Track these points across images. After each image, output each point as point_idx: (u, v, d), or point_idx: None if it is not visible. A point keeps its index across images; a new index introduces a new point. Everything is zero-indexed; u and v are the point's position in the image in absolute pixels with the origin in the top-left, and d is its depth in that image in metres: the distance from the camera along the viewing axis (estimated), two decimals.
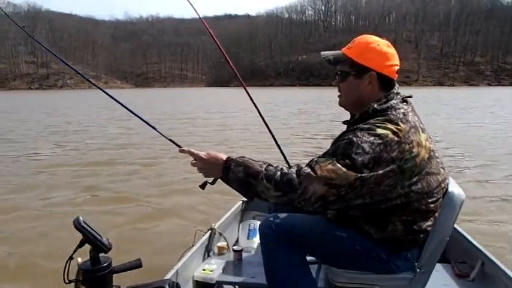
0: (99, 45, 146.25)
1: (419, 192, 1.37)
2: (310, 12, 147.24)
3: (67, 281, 1.14)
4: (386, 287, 1.55)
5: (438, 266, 2.04)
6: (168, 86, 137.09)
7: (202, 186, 1.54)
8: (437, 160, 1.44)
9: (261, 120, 2.24)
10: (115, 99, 1.83)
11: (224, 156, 1.43)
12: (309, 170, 1.30)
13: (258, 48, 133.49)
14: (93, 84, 2.12)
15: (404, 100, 1.47)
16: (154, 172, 6.43)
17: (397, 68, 1.47)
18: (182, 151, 1.54)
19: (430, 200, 1.41)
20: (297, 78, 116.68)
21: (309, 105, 25.20)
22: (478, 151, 8.06)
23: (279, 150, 2.33)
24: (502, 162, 6.88)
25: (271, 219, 1.58)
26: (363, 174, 1.27)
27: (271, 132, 2.27)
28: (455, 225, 2.22)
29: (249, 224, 2.73)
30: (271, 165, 1.38)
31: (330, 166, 1.28)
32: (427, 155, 1.37)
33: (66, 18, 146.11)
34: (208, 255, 2.35)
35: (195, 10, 2.37)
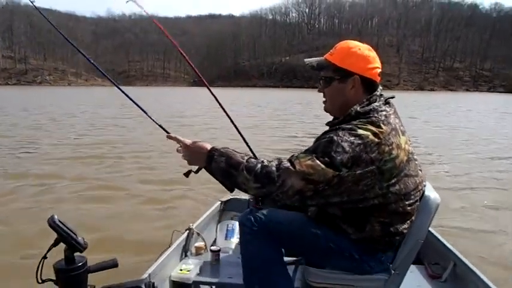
0: (80, 42, 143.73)
1: (397, 194, 1.39)
2: (294, 14, 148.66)
3: (40, 281, 1.11)
4: (361, 287, 1.58)
5: (412, 267, 2.09)
6: (150, 85, 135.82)
7: (187, 174, 1.59)
8: (416, 163, 1.47)
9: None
10: (126, 95, 2.01)
11: (209, 146, 1.46)
12: (288, 164, 1.33)
13: (242, 49, 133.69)
14: (110, 80, 2.28)
15: (387, 102, 1.49)
16: (132, 171, 6.33)
17: (379, 70, 1.51)
18: (169, 137, 1.57)
19: (407, 202, 1.43)
20: (280, 79, 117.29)
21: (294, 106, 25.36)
22: (453, 154, 8.22)
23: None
24: (477, 165, 7.02)
25: (251, 212, 1.61)
26: (341, 173, 1.29)
27: (234, 125, 2.22)
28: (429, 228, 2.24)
29: (227, 225, 2.72)
30: (254, 158, 1.42)
31: (309, 162, 1.31)
32: (406, 157, 1.39)
33: (46, 13, 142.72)
34: (186, 256, 2.32)
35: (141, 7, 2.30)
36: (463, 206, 4.65)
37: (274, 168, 1.34)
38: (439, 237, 2.22)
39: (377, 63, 1.51)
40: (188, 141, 1.51)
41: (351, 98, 1.49)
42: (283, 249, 1.65)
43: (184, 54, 2.15)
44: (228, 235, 2.64)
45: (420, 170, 1.50)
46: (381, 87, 1.53)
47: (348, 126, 1.37)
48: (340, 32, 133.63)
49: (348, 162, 1.30)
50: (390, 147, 1.34)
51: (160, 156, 7.29)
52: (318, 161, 1.30)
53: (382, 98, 1.49)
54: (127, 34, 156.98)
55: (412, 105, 26.45)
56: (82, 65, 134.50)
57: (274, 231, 1.55)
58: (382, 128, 1.35)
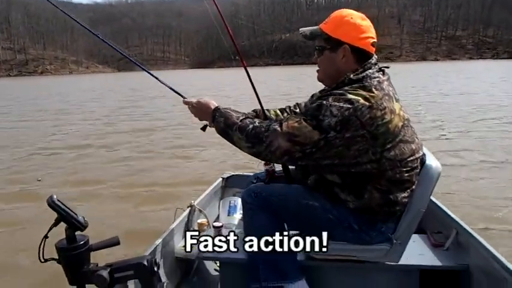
0: (78, 30, 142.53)
1: (391, 159, 1.38)
2: None
3: (43, 260, 1.12)
4: (364, 258, 1.59)
5: (415, 237, 2.08)
6: (151, 69, 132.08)
7: (203, 128, 1.71)
8: (412, 129, 1.46)
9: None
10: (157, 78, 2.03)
11: (213, 106, 1.55)
12: (277, 125, 1.37)
13: (241, 28, 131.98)
14: (139, 65, 2.22)
15: (381, 70, 1.48)
16: (133, 151, 6.42)
17: (372, 40, 1.47)
18: (185, 102, 1.70)
19: (404, 169, 1.43)
20: (281, 57, 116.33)
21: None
22: (457, 120, 8.24)
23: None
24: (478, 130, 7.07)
25: (253, 187, 1.66)
26: (328, 135, 1.30)
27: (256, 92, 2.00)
28: (431, 197, 2.29)
29: (230, 201, 2.69)
30: (250, 118, 1.46)
31: (296, 124, 1.34)
32: (401, 123, 1.38)
33: (42, 2, 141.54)
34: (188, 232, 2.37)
35: None
36: (465, 171, 4.70)
37: (263, 129, 1.39)
38: (441, 205, 2.25)
39: (370, 32, 1.47)
40: (194, 100, 1.62)
41: (342, 68, 1.48)
42: (285, 225, 1.67)
43: (231, 34, 2.05)
44: (230, 211, 2.63)
45: (417, 138, 1.49)
46: (375, 56, 1.50)
47: (338, 91, 1.37)
48: (339, 6, 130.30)
49: (337, 126, 1.30)
50: (383, 111, 1.33)
51: (162, 137, 7.37)
52: (304, 123, 1.33)
53: (376, 67, 1.47)
54: (124, 19, 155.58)
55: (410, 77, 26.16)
56: (82, 53, 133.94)
57: (273, 205, 1.58)
58: (373, 93, 1.35)
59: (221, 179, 2.99)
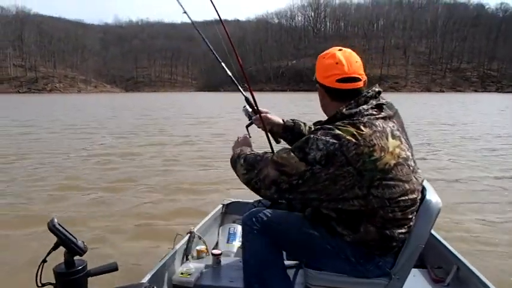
0: (89, 50, 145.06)
1: (379, 197, 1.38)
2: (299, 18, 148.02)
3: (40, 284, 1.11)
4: None
5: (415, 271, 2.13)
6: (158, 91, 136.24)
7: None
8: (409, 169, 1.44)
9: None
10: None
11: (247, 147, 1.75)
12: (269, 155, 1.47)
13: (248, 53, 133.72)
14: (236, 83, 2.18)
15: (378, 105, 1.48)
16: (134, 174, 6.46)
17: (337, 77, 1.49)
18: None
19: (396, 208, 1.42)
20: (287, 83, 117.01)
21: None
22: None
23: None
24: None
25: (255, 211, 1.69)
26: (313, 168, 1.33)
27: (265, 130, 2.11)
28: (432, 231, 2.33)
29: (229, 228, 2.74)
30: (264, 152, 1.57)
31: (284, 155, 1.40)
32: (393, 161, 1.37)
33: (55, 21, 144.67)
34: (187, 259, 2.35)
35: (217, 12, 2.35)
36: (466, 206, 4.71)
37: (259, 158, 1.49)
38: (442, 240, 2.27)
39: (335, 70, 1.49)
40: (241, 137, 1.86)
41: (326, 104, 1.59)
42: (284, 252, 1.71)
43: (239, 59, 2.19)
44: (229, 238, 2.67)
45: (416, 178, 1.47)
46: (375, 89, 1.52)
47: (328, 126, 1.40)
48: (346, 35, 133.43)
49: (322, 160, 1.33)
50: (371, 148, 1.33)
51: (162, 160, 7.44)
52: (292, 154, 1.38)
53: (373, 102, 1.48)
54: (134, 40, 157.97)
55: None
56: (91, 72, 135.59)
57: (274, 230, 1.61)
58: (362, 130, 1.35)
59: (221, 205, 3.04)
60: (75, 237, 1.10)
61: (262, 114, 1.99)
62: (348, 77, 1.48)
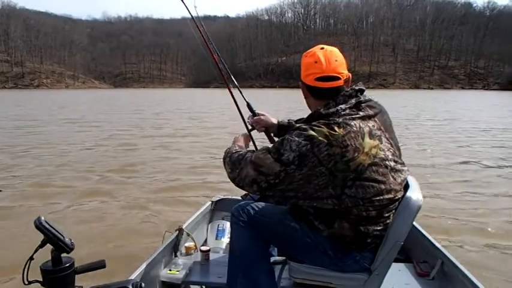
0: (77, 45, 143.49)
1: (352, 197, 1.39)
2: (289, 15, 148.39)
3: (26, 282, 1.11)
4: (341, 286, 1.59)
5: (400, 266, 2.17)
6: (147, 87, 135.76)
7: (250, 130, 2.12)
8: (388, 169, 1.44)
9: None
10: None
11: (241, 142, 1.81)
12: (249, 154, 1.51)
13: (238, 50, 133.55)
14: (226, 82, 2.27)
15: (357, 105, 1.48)
16: (122, 171, 6.41)
17: (316, 75, 1.50)
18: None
19: (370, 207, 1.43)
20: (277, 79, 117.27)
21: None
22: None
23: None
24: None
25: (243, 204, 1.73)
26: (288, 168, 1.37)
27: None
28: (417, 225, 2.36)
29: (218, 225, 2.74)
30: (248, 150, 1.61)
31: (261, 155, 1.44)
32: (368, 162, 1.38)
33: (42, 16, 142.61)
34: (176, 256, 2.35)
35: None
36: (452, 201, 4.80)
37: (241, 157, 1.52)
38: (427, 235, 2.31)
39: (314, 69, 1.51)
40: (240, 135, 1.91)
41: (309, 102, 1.62)
42: (275, 249, 1.77)
43: (216, 58, 2.26)
44: (218, 235, 2.66)
45: (396, 177, 1.48)
46: (355, 88, 1.52)
47: (304, 126, 1.42)
48: (335, 32, 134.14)
49: (295, 161, 1.36)
50: (343, 149, 1.35)
51: (156, 158, 7.42)
52: (268, 155, 1.41)
53: (352, 101, 1.47)
54: (123, 36, 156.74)
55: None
56: (79, 68, 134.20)
57: (260, 223, 1.65)
58: (335, 131, 1.36)
59: (210, 202, 3.03)
60: (62, 235, 1.10)
61: (257, 117, 2.13)
62: (326, 76, 1.48)
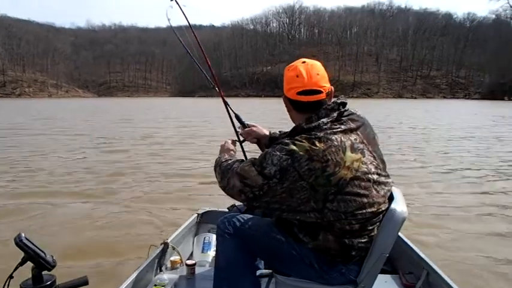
0: (60, 53, 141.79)
1: (334, 211, 1.40)
2: (274, 25, 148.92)
3: None
4: None
5: (387, 277, 2.18)
6: (132, 96, 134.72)
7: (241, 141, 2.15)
8: (370, 182, 1.45)
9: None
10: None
11: (229, 151, 1.86)
12: (236, 165, 1.54)
13: (223, 59, 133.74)
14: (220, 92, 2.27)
15: (339, 118, 1.48)
16: (105, 184, 6.30)
17: (297, 89, 1.51)
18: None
19: (353, 221, 1.44)
20: (262, 89, 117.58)
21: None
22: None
23: None
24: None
25: (229, 216, 1.74)
26: (270, 182, 1.39)
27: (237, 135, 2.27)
28: (403, 237, 2.37)
29: (204, 237, 2.71)
30: (236, 160, 1.65)
31: (246, 167, 1.47)
32: (350, 176, 1.39)
33: (24, 24, 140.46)
34: (161, 270, 2.32)
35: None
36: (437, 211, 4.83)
37: (229, 167, 1.56)
38: (412, 246, 2.31)
39: (295, 83, 1.52)
40: (228, 141, 1.97)
41: (292, 115, 1.63)
42: (258, 259, 1.76)
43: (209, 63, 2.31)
44: (204, 248, 2.64)
45: (379, 190, 1.48)
46: (337, 101, 1.53)
47: (286, 140, 1.44)
48: (320, 41, 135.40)
49: (276, 175, 1.38)
50: (324, 164, 1.35)
51: (138, 170, 7.33)
52: (252, 168, 1.44)
53: (334, 114, 1.48)
54: (107, 45, 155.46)
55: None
56: (62, 76, 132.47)
57: (246, 235, 1.65)
58: (316, 145, 1.37)
59: (196, 214, 3.00)
60: (43, 252, 1.06)
61: (248, 128, 2.15)
62: (308, 90, 1.49)
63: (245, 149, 2.16)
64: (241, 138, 2.15)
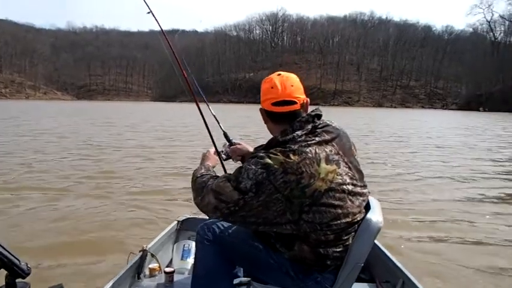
0: (39, 55, 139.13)
1: (309, 222, 1.42)
2: (257, 32, 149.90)
3: None
4: None
5: (364, 286, 2.19)
6: (112, 99, 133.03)
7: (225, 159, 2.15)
8: (345, 193, 1.46)
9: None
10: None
11: (208, 164, 1.85)
12: (211, 182, 1.55)
13: (206, 65, 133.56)
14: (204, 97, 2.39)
15: (313, 131, 1.50)
16: (85, 189, 6.16)
17: (272, 100, 1.55)
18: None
19: (328, 232, 1.45)
20: (244, 95, 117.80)
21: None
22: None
23: None
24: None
25: (209, 222, 1.76)
26: (246, 196, 1.40)
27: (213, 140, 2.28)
28: (380, 245, 2.39)
29: (184, 245, 2.67)
30: (211, 176, 1.63)
31: (221, 183, 1.48)
32: (324, 187, 1.40)
33: (2, 24, 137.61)
34: (139, 278, 2.29)
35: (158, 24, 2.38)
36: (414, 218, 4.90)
37: (203, 184, 1.56)
38: (389, 254, 2.34)
39: (269, 94, 1.56)
40: (211, 150, 2.01)
41: (269, 127, 1.66)
42: (237, 267, 1.77)
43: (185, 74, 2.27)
44: (184, 255, 2.60)
45: (354, 200, 1.50)
46: (312, 114, 1.55)
47: (261, 154, 1.45)
48: (302, 49, 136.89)
49: (252, 188, 1.39)
50: (298, 176, 1.37)
51: (118, 177, 7.22)
52: (228, 183, 1.45)
53: (308, 127, 1.50)
54: (88, 47, 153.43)
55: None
56: (41, 78, 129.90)
57: (225, 242, 1.67)
58: (290, 158, 1.39)
59: (176, 221, 2.96)
60: (17, 258, 1.03)
61: (233, 146, 2.14)
62: (282, 101, 1.53)
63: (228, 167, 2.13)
64: (225, 157, 2.14)
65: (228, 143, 2.19)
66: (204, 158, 1.91)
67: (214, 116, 2.32)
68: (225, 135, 2.22)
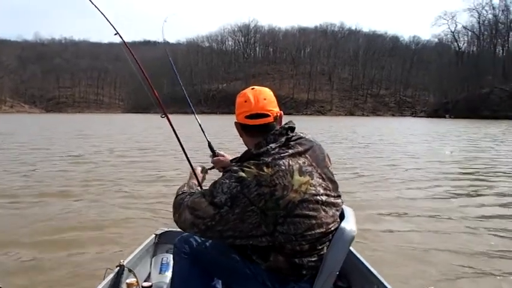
0: (4, 67, 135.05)
1: (284, 233, 1.44)
2: (230, 43, 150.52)
3: None
4: None
5: None
6: (83, 112, 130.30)
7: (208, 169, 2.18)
8: (319, 204, 1.49)
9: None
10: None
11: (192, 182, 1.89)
12: (186, 200, 1.56)
13: (179, 76, 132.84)
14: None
15: (286, 143, 1.53)
16: (63, 202, 6.00)
17: (246, 113, 1.59)
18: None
19: (303, 242, 1.48)
20: (217, 106, 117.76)
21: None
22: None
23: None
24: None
25: (186, 235, 1.78)
26: (221, 210, 1.42)
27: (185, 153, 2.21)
28: (356, 253, 2.41)
29: (162, 258, 2.63)
30: (190, 193, 1.64)
31: (197, 199, 1.51)
32: (298, 198, 1.43)
33: None
34: None
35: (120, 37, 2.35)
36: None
37: (181, 201, 1.58)
38: (364, 261, 2.36)
39: (243, 107, 1.59)
40: (198, 169, 2.03)
41: (244, 140, 1.69)
42: (215, 279, 1.79)
43: (151, 86, 2.33)
44: (162, 269, 2.56)
45: (328, 210, 1.52)
46: (285, 126, 1.59)
47: (235, 168, 1.48)
48: (275, 60, 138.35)
49: (227, 202, 1.41)
50: (272, 188, 1.40)
51: (95, 191, 7.04)
52: (203, 199, 1.48)
53: (282, 139, 1.53)
54: (56, 59, 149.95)
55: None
56: (7, 91, 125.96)
57: (202, 255, 1.69)
58: (263, 171, 1.42)
59: (154, 235, 2.90)
60: None
61: (216, 158, 2.22)
62: (255, 114, 1.56)
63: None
64: (209, 166, 2.19)
65: (212, 154, 2.26)
66: (190, 176, 1.92)
67: (200, 125, 2.41)
68: (209, 145, 2.27)
